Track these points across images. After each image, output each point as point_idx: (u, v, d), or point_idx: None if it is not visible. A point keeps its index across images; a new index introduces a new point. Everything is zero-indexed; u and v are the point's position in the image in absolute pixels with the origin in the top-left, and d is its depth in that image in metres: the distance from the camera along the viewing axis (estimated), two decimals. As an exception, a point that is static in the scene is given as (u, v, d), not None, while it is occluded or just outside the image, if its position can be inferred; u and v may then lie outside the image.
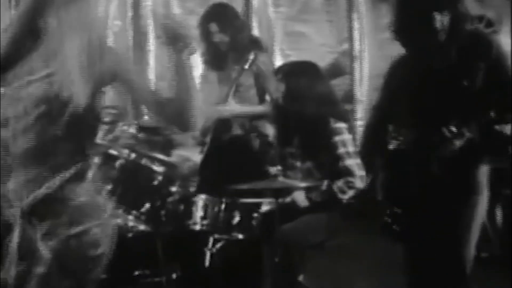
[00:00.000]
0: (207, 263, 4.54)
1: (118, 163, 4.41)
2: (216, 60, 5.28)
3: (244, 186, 4.37)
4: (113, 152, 4.42)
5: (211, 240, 4.56)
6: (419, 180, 3.33)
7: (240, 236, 4.52)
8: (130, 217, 4.40)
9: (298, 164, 4.65)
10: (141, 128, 5.70)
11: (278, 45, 6.63)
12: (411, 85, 3.43)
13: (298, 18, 6.57)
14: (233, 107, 5.08)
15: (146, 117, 6.46)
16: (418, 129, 3.33)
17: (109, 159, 4.42)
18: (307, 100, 4.58)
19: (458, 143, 3.19)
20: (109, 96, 6.45)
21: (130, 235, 4.43)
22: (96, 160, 4.42)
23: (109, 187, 4.36)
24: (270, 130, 5.03)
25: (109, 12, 6.67)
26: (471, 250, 3.42)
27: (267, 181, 4.45)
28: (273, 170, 4.48)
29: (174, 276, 4.50)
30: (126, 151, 4.42)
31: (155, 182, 4.48)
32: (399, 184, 3.43)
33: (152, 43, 6.71)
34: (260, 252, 4.53)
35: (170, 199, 4.52)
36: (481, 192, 3.40)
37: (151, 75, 6.69)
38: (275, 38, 6.64)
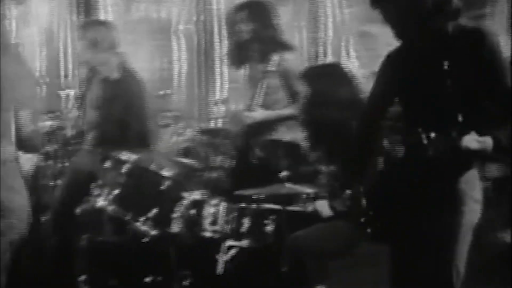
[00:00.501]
0: (219, 270, 4.42)
1: (125, 167, 4.42)
2: (237, 51, 5.18)
3: (251, 192, 4.29)
4: (122, 157, 4.43)
5: (223, 247, 4.45)
6: (403, 182, 3.16)
7: (251, 244, 4.40)
8: (138, 223, 4.38)
9: (323, 168, 4.48)
10: (203, 131, 5.76)
11: (345, 45, 6.45)
12: (404, 79, 3.25)
13: (366, 18, 6.35)
14: (260, 114, 4.97)
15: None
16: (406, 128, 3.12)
17: (118, 163, 4.44)
18: (330, 103, 4.41)
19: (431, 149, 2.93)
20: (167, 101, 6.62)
21: (140, 240, 4.41)
22: (107, 164, 4.48)
23: (116, 191, 4.38)
24: (298, 134, 4.87)
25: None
26: (459, 262, 3.16)
27: (275, 187, 4.32)
28: (282, 175, 4.33)
29: (185, 283, 4.42)
30: (134, 156, 4.41)
31: (163, 187, 4.44)
32: (383, 184, 3.28)
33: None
34: (274, 260, 4.37)
35: (181, 204, 4.46)
36: (465, 203, 3.14)
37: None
38: (343, 38, 6.48)
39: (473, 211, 3.17)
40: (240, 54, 5.22)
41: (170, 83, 7.47)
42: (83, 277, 4.38)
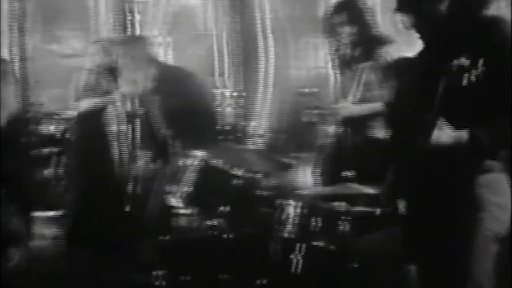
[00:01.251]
0: (293, 270, 4.35)
1: (196, 165, 4.47)
2: (340, 53, 5.06)
3: (318, 190, 4.20)
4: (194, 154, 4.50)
5: (298, 246, 4.37)
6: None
7: (323, 244, 4.30)
8: (211, 221, 4.43)
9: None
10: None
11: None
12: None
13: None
14: (351, 108, 4.84)
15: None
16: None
17: (190, 161, 4.52)
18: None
19: None
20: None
21: (214, 238, 4.45)
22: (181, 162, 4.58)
23: (187, 188, 4.45)
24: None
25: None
26: (480, 276, 2.93)
27: (340, 186, 4.19)
28: (347, 174, 4.18)
29: (258, 282, 4.39)
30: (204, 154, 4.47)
31: (233, 185, 4.45)
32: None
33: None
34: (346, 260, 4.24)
35: (254, 202, 4.45)
36: (484, 210, 2.90)
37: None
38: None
39: (496, 218, 2.90)
40: (343, 56, 5.12)
41: (316, 81, 7.43)
42: (159, 272, 4.47)
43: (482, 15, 2.90)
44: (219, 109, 7.93)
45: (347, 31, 4.96)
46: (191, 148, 4.74)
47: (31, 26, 8.08)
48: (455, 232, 2.91)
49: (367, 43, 4.94)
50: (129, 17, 7.70)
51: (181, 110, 5.10)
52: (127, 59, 5.15)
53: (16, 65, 7.86)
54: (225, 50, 8.29)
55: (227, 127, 7.57)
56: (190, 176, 4.50)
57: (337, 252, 4.27)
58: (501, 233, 2.92)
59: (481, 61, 2.74)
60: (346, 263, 4.18)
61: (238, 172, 4.49)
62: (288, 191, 4.56)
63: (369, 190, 4.17)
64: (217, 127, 5.70)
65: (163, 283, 4.44)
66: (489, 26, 2.85)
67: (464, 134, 2.72)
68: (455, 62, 2.75)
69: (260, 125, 7.79)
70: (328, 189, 4.21)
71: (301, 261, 4.33)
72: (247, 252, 4.44)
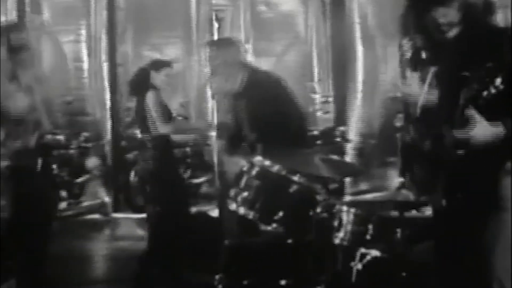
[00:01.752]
0: (353, 278, 4.34)
1: (255, 170, 4.51)
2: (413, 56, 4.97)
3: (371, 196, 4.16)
4: (254, 160, 4.54)
5: (357, 254, 4.35)
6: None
7: (382, 252, 4.25)
8: (271, 226, 4.45)
9: None
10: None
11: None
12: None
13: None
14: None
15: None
16: None
17: (251, 166, 4.56)
18: None
19: None
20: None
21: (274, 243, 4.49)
22: (244, 168, 4.63)
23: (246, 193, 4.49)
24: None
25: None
26: (503, 276, 2.97)
27: (390, 193, 4.14)
28: (397, 182, 4.13)
29: (315, 288, 4.40)
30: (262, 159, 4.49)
31: (291, 191, 4.45)
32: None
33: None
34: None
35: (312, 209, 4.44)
36: (507, 209, 2.96)
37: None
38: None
39: None
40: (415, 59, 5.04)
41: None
42: (217, 276, 4.53)
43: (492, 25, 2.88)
44: (317, 113, 7.97)
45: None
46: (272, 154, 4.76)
47: (127, 34, 8.37)
48: (480, 232, 2.99)
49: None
50: (216, 25, 7.86)
51: (267, 115, 5.12)
52: (219, 61, 5.24)
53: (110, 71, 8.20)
54: (315, 56, 8.32)
55: (318, 132, 7.61)
56: (248, 181, 4.53)
57: (389, 260, 4.21)
58: None
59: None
60: (397, 272, 4.11)
61: (296, 177, 4.47)
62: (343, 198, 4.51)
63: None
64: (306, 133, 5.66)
65: (220, 286, 4.48)
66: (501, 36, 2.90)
67: (500, 128, 2.76)
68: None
69: (350, 130, 7.77)
70: (380, 196, 4.14)
71: (356, 268, 4.29)
72: (304, 258, 4.42)
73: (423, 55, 4.84)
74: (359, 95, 7.82)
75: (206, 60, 5.42)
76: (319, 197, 4.47)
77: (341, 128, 7.92)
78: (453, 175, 3.05)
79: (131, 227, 7.63)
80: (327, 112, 8.16)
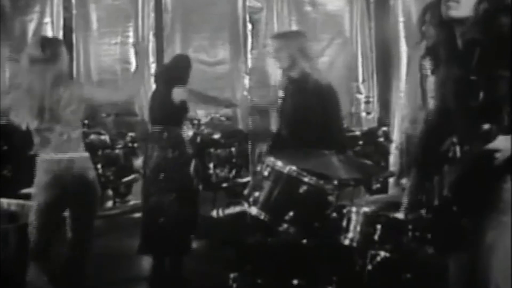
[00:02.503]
0: (364, 279, 4.34)
1: (267, 171, 4.54)
2: (428, 54, 4.92)
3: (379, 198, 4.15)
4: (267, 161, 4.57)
5: (368, 255, 4.34)
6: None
7: (392, 253, 4.24)
8: (282, 227, 4.48)
9: None
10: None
11: None
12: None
13: None
14: None
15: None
16: None
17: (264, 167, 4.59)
18: None
19: None
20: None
21: (282, 242, 4.52)
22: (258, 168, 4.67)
23: (258, 193, 4.52)
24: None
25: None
26: (499, 279, 2.93)
27: (398, 194, 4.13)
28: (404, 183, 4.11)
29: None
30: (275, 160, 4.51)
31: (301, 191, 4.46)
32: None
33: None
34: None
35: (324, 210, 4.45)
36: (507, 213, 2.92)
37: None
38: None
39: None
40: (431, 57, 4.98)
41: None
42: (232, 275, 4.60)
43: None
44: (361, 114, 7.96)
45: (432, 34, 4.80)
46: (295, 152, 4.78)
47: (174, 36, 8.51)
48: (480, 235, 2.94)
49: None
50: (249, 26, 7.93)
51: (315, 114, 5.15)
52: (287, 52, 5.23)
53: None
54: (359, 56, 8.30)
55: (360, 132, 7.60)
56: (260, 181, 4.56)
57: (398, 261, 4.19)
58: None
59: None
60: (402, 273, 4.09)
61: (307, 178, 4.48)
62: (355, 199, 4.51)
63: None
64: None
65: (234, 285, 4.54)
66: None
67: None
68: None
69: (393, 130, 7.73)
70: (387, 197, 4.12)
71: (366, 269, 4.29)
72: (316, 258, 4.44)
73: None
74: (403, 95, 7.75)
75: (275, 53, 5.38)
76: (330, 198, 4.47)
77: (384, 128, 7.89)
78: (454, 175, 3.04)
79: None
80: (369, 113, 8.14)
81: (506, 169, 2.85)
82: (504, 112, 2.81)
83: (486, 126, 2.83)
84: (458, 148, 2.96)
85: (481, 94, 2.90)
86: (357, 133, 7.76)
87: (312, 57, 5.29)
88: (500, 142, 2.79)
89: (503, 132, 2.80)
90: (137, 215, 8.14)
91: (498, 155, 2.79)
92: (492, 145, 2.80)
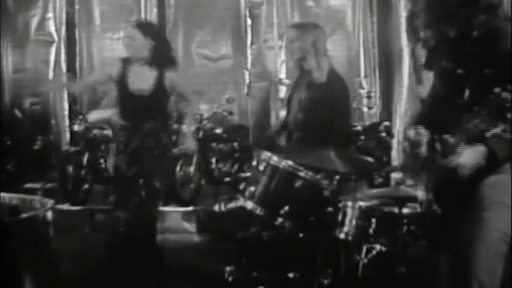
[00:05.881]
0: (359, 272, 4.37)
1: (262, 166, 4.56)
2: (428, 56, 4.92)
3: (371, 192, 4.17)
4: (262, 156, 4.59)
5: (364, 249, 4.37)
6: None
7: (387, 247, 4.27)
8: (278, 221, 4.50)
9: None
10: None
11: None
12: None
13: None
14: None
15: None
16: None
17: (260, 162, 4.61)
18: None
19: None
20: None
21: (277, 237, 4.54)
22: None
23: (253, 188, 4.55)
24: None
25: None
26: (482, 275, 2.93)
27: (391, 189, 4.15)
28: (396, 177, 4.13)
29: (326, 282, 4.43)
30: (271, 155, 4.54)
31: (297, 186, 4.48)
32: None
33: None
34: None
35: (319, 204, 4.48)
36: (488, 209, 2.91)
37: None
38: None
39: (502, 218, 2.90)
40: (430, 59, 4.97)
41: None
42: (228, 268, 4.62)
43: None
44: (363, 108, 7.96)
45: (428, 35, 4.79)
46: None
47: (177, 32, 8.53)
48: (463, 231, 2.95)
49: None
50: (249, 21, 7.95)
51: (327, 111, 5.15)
52: (301, 44, 5.20)
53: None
54: (361, 51, 8.30)
55: (362, 127, 7.60)
56: (256, 176, 4.59)
57: (393, 255, 4.22)
58: (509, 234, 2.89)
59: None
60: (396, 266, 4.12)
61: (303, 173, 4.50)
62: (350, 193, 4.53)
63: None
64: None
65: (230, 278, 4.56)
66: None
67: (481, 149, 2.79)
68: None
69: (394, 125, 7.74)
70: (381, 192, 4.14)
71: (362, 262, 4.32)
72: (311, 252, 4.46)
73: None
74: (405, 90, 7.76)
75: (289, 43, 5.35)
76: (325, 192, 4.50)
77: (386, 123, 7.90)
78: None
79: (176, 220, 7.75)
80: (371, 108, 8.15)
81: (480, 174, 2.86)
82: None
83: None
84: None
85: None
86: (359, 128, 7.76)
87: (324, 51, 5.26)
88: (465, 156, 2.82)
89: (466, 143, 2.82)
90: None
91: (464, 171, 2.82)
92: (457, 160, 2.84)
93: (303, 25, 5.96)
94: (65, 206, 7.42)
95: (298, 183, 4.51)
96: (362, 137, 7.72)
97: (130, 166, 5.49)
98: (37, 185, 8.01)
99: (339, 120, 5.10)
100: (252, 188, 4.59)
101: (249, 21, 8.26)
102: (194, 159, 7.78)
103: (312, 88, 5.19)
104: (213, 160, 8.11)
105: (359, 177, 5.01)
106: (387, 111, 8.11)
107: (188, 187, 7.87)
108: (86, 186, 7.65)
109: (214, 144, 8.08)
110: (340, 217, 4.39)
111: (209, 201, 7.15)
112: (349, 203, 4.39)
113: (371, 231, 4.31)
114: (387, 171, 6.89)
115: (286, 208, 4.47)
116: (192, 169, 7.82)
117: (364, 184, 7.21)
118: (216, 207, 6.85)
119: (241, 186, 4.68)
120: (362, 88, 8.36)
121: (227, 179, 8.12)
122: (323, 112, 5.08)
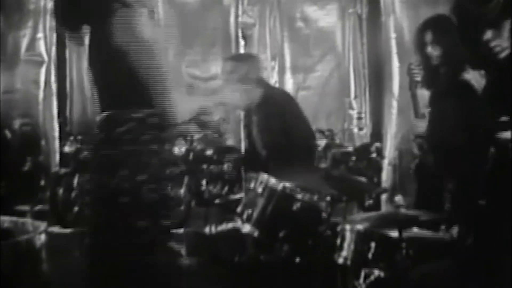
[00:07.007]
0: (358, 298, 4.34)
1: (260, 188, 4.55)
2: (427, 74, 4.93)
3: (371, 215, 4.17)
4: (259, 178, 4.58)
5: (361, 274, 4.35)
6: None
7: (385, 273, 4.24)
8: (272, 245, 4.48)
9: None
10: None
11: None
12: None
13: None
14: None
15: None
16: None
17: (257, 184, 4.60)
18: None
19: None
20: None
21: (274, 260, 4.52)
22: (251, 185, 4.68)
23: (250, 211, 4.53)
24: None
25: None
26: None
27: (393, 212, 4.14)
28: (398, 200, 4.12)
29: (321, 305, 4.42)
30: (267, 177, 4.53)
31: (295, 208, 4.47)
32: None
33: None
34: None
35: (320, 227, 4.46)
36: None
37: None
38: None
39: None
40: (430, 76, 4.98)
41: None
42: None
43: None
44: (354, 130, 7.97)
45: (434, 54, 4.80)
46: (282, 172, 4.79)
47: (166, 51, 8.49)
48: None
49: (453, 65, 4.73)
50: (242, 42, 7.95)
51: (277, 132, 5.18)
52: (237, 75, 5.33)
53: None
54: (351, 72, 8.33)
55: (353, 148, 7.61)
56: (253, 198, 4.58)
57: (392, 280, 4.19)
58: None
59: None
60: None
61: (301, 195, 4.49)
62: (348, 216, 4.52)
63: (424, 216, 4.07)
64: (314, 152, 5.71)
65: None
66: None
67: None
68: None
69: (385, 146, 7.74)
70: (380, 215, 4.13)
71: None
72: (309, 276, 4.44)
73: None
74: (395, 111, 7.76)
75: (222, 73, 5.50)
76: (324, 215, 4.49)
77: (377, 144, 7.90)
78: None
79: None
80: (361, 129, 8.16)
81: None
82: None
83: None
84: None
85: None
86: (350, 149, 7.76)
87: (260, 76, 5.40)
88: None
89: None
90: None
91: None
92: None
93: (237, 57, 6.16)
94: (56, 229, 7.35)
95: (296, 206, 4.51)
96: (353, 158, 7.71)
97: None
98: (26, 207, 7.93)
99: (298, 127, 5.29)
100: (250, 211, 4.58)
101: (242, 42, 8.26)
102: (185, 181, 7.76)
103: (261, 113, 5.31)
104: (204, 182, 8.08)
105: (351, 198, 4.97)
106: (378, 132, 8.11)
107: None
108: (76, 208, 7.60)
109: (204, 166, 8.06)
110: (338, 241, 4.38)
111: (199, 223, 7.11)
112: (348, 227, 4.37)
113: (370, 255, 4.30)
114: (377, 193, 6.88)
115: (284, 231, 4.47)
116: (182, 190, 7.80)
117: (354, 206, 7.20)
118: (207, 229, 6.83)
119: (238, 209, 4.66)
120: (353, 108, 8.37)
121: (217, 201, 8.08)
122: (280, 126, 5.17)
